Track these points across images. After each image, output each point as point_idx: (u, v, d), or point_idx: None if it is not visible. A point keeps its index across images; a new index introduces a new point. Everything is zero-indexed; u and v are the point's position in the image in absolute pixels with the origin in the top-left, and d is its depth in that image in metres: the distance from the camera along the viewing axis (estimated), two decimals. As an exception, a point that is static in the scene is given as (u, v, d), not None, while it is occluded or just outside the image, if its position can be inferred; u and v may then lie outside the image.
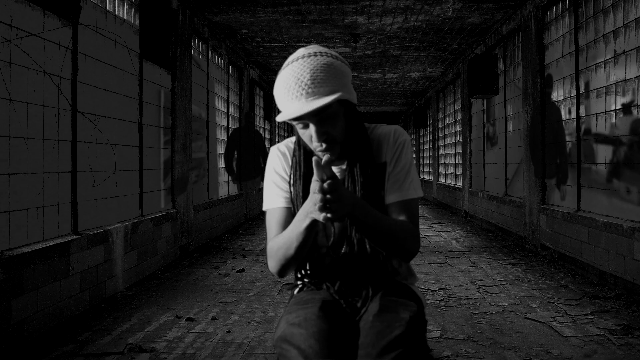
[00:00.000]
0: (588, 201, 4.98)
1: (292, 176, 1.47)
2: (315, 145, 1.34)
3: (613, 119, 4.60)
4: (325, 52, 1.33)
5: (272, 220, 1.47)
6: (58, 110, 3.61)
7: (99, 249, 3.97)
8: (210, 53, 7.71)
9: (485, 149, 8.76)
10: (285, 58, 9.63)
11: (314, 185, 1.17)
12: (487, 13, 6.85)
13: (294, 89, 1.26)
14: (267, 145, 12.70)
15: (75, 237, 3.65)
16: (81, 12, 3.88)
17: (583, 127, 5.14)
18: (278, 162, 1.51)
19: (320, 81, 1.26)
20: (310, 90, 1.25)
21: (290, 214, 1.46)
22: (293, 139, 1.54)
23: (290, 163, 1.50)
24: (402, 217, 1.41)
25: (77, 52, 3.81)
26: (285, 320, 1.34)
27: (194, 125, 6.81)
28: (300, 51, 1.34)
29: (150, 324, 3.50)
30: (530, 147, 6.30)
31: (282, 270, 1.41)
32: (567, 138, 5.49)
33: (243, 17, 7.00)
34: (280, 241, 1.37)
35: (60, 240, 3.46)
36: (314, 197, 1.17)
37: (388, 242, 1.34)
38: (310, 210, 1.20)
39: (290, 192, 1.46)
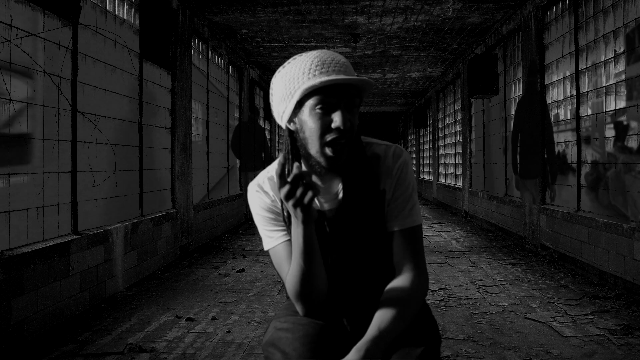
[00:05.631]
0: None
1: (286, 212, 1.34)
2: (333, 134, 1.22)
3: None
4: None
5: (281, 258, 1.35)
6: (58, 110, 3.61)
7: (99, 249, 3.97)
8: (210, 53, 7.71)
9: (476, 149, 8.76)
10: (286, 58, 9.63)
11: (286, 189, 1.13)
12: (487, 13, 6.85)
13: (331, 65, 1.23)
14: (268, 144, 12.70)
15: (75, 237, 3.65)
16: (81, 12, 3.88)
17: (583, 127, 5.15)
18: (262, 199, 1.38)
19: (351, 69, 1.27)
20: (348, 71, 1.25)
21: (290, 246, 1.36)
22: (272, 169, 1.41)
23: (277, 197, 1.37)
24: (405, 252, 1.32)
25: (77, 52, 3.81)
26: (274, 325, 1.33)
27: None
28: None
29: (150, 324, 3.50)
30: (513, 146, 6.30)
31: (305, 303, 1.30)
32: (567, 137, 5.50)
33: (243, 17, 7.00)
34: (290, 272, 1.29)
35: (60, 240, 3.46)
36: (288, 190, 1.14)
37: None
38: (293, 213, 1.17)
39: (289, 228, 1.34)
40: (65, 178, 3.70)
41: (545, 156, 5.94)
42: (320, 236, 1.33)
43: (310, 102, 1.23)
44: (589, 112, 5.05)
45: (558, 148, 5.74)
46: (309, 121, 1.24)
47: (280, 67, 1.30)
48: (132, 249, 4.59)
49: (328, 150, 1.24)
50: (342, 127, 1.21)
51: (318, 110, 1.22)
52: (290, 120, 1.29)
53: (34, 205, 3.32)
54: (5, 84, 3.02)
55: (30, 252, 3.08)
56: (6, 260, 2.86)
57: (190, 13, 6.41)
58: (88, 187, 4.04)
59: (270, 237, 1.38)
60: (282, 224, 1.37)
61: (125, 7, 4.92)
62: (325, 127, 1.23)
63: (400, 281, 1.30)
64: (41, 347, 3.05)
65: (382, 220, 1.35)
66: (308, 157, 1.29)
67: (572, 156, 5.35)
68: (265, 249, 1.40)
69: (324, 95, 1.21)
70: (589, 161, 5.04)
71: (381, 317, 1.22)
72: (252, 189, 1.40)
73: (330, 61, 1.24)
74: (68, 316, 3.49)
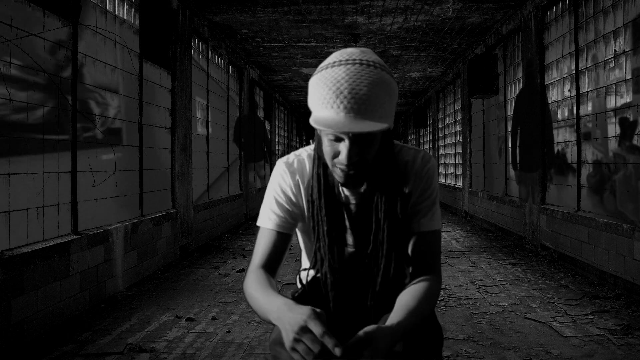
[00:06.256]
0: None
1: (312, 199, 1.34)
2: (340, 164, 1.20)
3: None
4: (382, 65, 1.18)
5: (261, 242, 1.37)
6: (58, 110, 3.61)
7: (99, 249, 3.97)
8: (210, 53, 7.71)
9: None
10: (286, 58, 9.65)
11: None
12: (487, 13, 6.85)
13: (345, 97, 1.11)
14: (268, 136, 12.72)
15: (75, 237, 3.65)
16: (81, 12, 3.88)
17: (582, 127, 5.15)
18: (284, 177, 1.39)
19: (375, 101, 1.12)
20: (363, 107, 1.11)
21: (281, 239, 1.37)
22: (304, 151, 1.43)
23: (301, 180, 1.38)
24: (424, 254, 1.34)
25: (77, 52, 3.81)
26: None
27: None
28: (355, 53, 1.19)
29: (150, 324, 3.50)
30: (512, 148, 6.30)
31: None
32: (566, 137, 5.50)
33: (243, 17, 7.00)
34: (253, 296, 1.27)
35: (60, 240, 3.46)
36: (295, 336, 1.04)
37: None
38: (287, 336, 1.06)
39: (312, 216, 1.34)
40: (65, 178, 3.70)
41: (544, 150, 5.94)
42: (340, 228, 1.35)
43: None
44: (590, 109, 5.05)
45: (558, 147, 5.73)
46: (323, 142, 1.24)
47: (318, 68, 1.23)
48: (132, 249, 4.59)
49: (338, 173, 1.24)
50: (345, 162, 1.18)
51: (329, 137, 1.20)
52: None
53: (34, 205, 3.32)
54: (5, 84, 3.03)
55: (30, 252, 3.08)
56: (6, 260, 2.86)
57: (190, 13, 6.41)
58: (88, 187, 4.04)
59: (269, 217, 1.38)
60: (287, 208, 1.38)
61: (125, 7, 4.92)
62: (334, 154, 1.22)
63: (420, 281, 1.31)
64: (41, 347, 3.05)
65: (403, 221, 1.35)
66: (326, 164, 1.31)
67: (572, 156, 5.35)
68: (257, 223, 1.39)
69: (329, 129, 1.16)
70: (589, 161, 5.03)
71: (403, 305, 1.23)
72: (280, 162, 1.41)
73: (347, 93, 1.11)
74: (68, 316, 3.49)
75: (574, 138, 5.29)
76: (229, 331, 3.33)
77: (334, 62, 1.18)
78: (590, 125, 5.03)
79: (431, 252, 1.34)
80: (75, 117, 3.79)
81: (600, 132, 4.82)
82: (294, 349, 1.05)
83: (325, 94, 1.14)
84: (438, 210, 1.38)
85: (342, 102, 1.11)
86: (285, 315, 1.10)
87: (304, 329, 1.04)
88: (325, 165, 1.33)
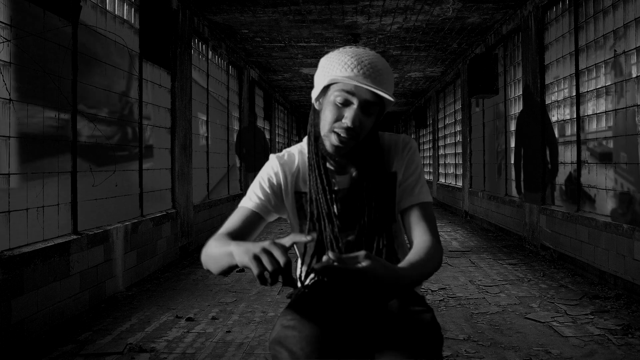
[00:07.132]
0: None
1: (314, 188, 1.41)
2: (339, 127, 1.31)
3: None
4: None
5: (235, 215, 1.42)
6: (58, 110, 3.61)
7: (99, 249, 3.97)
8: (210, 53, 7.71)
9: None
10: (286, 58, 9.65)
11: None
12: (487, 13, 6.85)
13: (365, 66, 1.30)
14: (269, 146, 12.73)
15: (75, 237, 3.65)
16: (81, 12, 3.87)
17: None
18: (275, 168, 1.48)
19: (387, 78, 1.33)
20: (378, 78, 1.30)
21: (254, 217, 1.42)
22: (295, 148, 1.52)
23: (289, 171, 1.47)
24: (420, 222, 1.39)
25: (77, 52, 3.81)
26: (280, 322, 1.33)
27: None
28: (366, 49, 1.39)
29: (150, 324, 3.50)
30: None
31: (205, 265, 1.34)
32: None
33: (243, 17, 7.00)
34: (211, 245, 1.29)
35: (60, 240, 3.46)
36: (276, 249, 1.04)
37: (428, 276, 1.29)
38: (247, 251, 1.06)
39: (318, 206, 1.40)
40: (65, 177, 3.70)
41: (549, 165, 5.94)
42: (329, 217, 1.41)
43: (333, 91, 1.33)
44: (589, 109, 5.04)
45: (560, 149, 5.73)
46: (327, 107, 1.35)
47: (340, 49, 1.40)
48: (132, 249, 4.59)
49: (333, 138, 1.34)
50: (349, 125, 1.30)
51: (337, 101, 1.33)
52: (317, 99, 1.41)
53: (34, 205, 3.32)
54: (5, 83, 3.03)
55: (30, 252, 3.08)
56: (6, 260, 2.86)
57: (190, 13, 6.41)
58: (88, 187, 4.03)
59: (250, 198, 1.45)
60: (267, 193, 1.45)
61: (125, 7, 4.92)
62: (337, 117, 1.33)
63: (421, 242, 1.35)
64: (41, 347, 3.05)
65: (391, 200, 1.43)
66: (318, 137, 1.41)
67: (572, 156, 5.35)
68: (240, 205, 1.46)
69: (345, 91, 1.31)
70: (611, 188, 5.01)
71: (410, 257, 1.26)
72: (272, 156, 1.52)
73: (367, 63, 1.31)
74: (68, 316, 3.49)
75: (573, 138, 5.29)
76: (229, 331, 3.33)
77: (351, 46, 1.37)
78: (598, 136, 5.02)
79: (426, 220, 1.39)
80: (75, 117, 3.79)
81: (627, 153, 4.23)
82: (256, 257, 1.03)
83: (347, 60, 1.32)
84: (425, 185, 1.46)
85: (362, 69, 1.30)
86: (246, 244, 1.11)
87: (267, 249, 1.04)
88: (323, 157, 1.41)
